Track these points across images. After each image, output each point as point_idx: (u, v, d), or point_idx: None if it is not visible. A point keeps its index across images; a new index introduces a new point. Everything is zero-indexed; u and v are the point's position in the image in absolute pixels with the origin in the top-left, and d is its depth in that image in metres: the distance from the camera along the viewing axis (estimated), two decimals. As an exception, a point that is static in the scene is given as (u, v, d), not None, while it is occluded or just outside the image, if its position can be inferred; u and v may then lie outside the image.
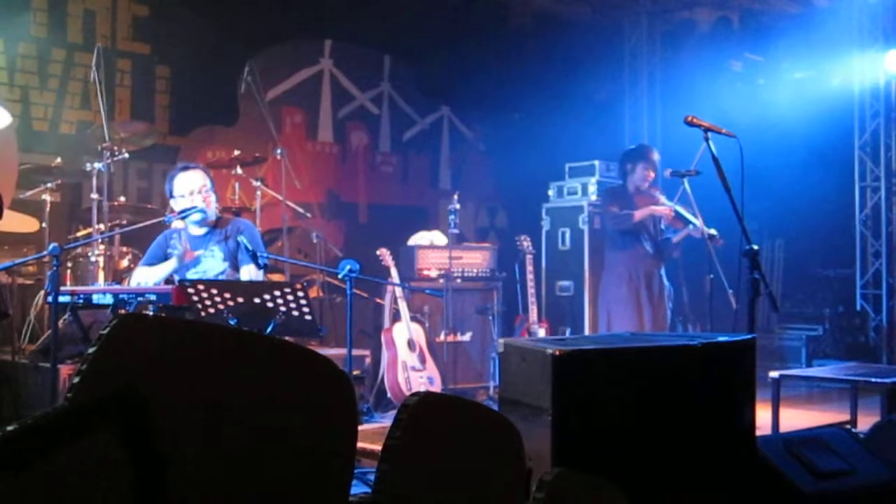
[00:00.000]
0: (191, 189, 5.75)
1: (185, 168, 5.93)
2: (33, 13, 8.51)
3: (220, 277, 5.65)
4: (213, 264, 5.70)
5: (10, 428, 1.16)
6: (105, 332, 1.30)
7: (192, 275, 5.61)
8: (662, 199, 7.96)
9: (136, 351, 1.32)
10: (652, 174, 8.10)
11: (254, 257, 5.51)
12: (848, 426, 5.90)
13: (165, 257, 5.82)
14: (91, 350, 1.29)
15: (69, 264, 7.13)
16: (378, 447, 4.79)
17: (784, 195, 11.22)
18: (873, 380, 5.97)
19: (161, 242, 5.93)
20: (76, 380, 1.25)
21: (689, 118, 4.81)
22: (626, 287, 7.99)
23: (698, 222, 7.45)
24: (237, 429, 1.42)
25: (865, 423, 5.89)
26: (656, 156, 8.20)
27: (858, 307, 11.60)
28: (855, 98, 11.63)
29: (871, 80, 11.46)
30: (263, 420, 1.46)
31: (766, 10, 11.89)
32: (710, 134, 4.76)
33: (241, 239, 5.55)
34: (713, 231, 7.25)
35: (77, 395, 1.24)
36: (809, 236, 12.32)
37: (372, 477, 4.40)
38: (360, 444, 2.24)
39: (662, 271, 8.11)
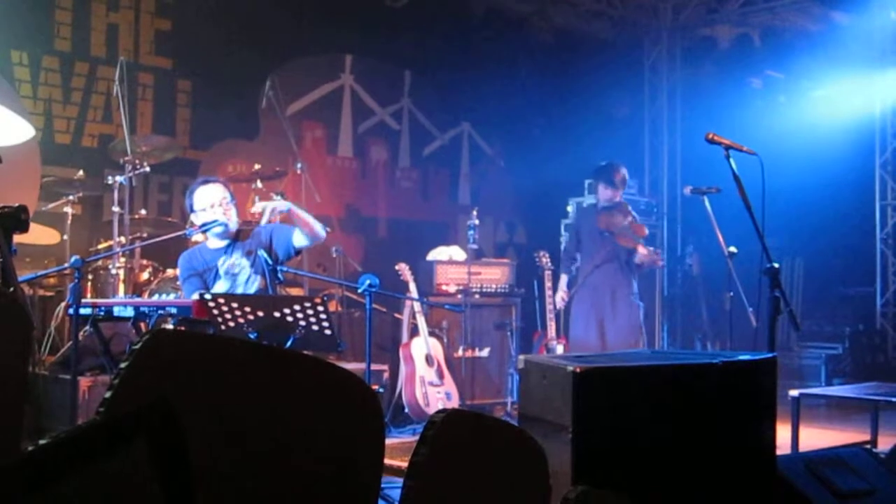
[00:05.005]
0: (211, 202, 5.75)
1: (205, 182, 5.94)
2: (57, 27, 8.58)
3: (248, 286, 5.66)
4: (240, 273, 5.70)
5: (42, 442, 1.17)
6: (136, 346, 1.31)
7: (220, 286, 5.61)
8: (619, 217, 8.01)
9: (167, 366, 1.33)
10: (612, 194, 8.11)
11: (273, 272, 5.52)
12: (868, 446, 5.86)
13: (200, 275, 5.76)
14: (122, 365, 1.30)
15: (90, 277, 7.16)
16: (395, 462, 4.79)
17: (805, 213, 11.19)
18: (895, 399, 5.94)
19: (194, 259, 5.85)
20: (108, 394, 1.26)
21: (710, 136, 4.80)
22: (589, 305, 8.06)
23: (641, 245, 7.72)
24: (265, 445, 1.43)
25: (886, 442, 5.85)
26: (621, 175, 8.18)
27: (878, 326, 11.54)
28: (876, 116, 11.59)
29: (892, 98, 11.43)
30: (292, 437, 1.47)
31: (787, 28, 11.88)
32: (730, 151, 4.75)
33: (262, 253, 5.56)
34: (733, 248, 7.22)
35: (109, 410, 1.24)
36: (830, 254, 12.28)
37: (390, 492, 4.40)
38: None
39: (632, 289, 8.13)
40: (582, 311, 8.17)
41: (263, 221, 5.64)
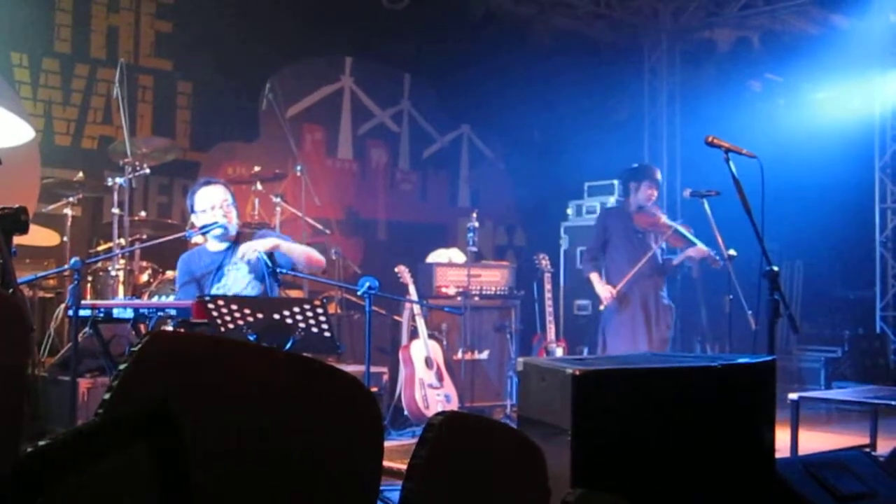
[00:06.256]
0: (212, 204, 5.75)
1: (207, 183, 5.93)
2: (57, 29, 8.58)
3: (247, 291, 5.65)
4: (237, 277, 5.69)
5: (41, 443, 1.17)
6: (136, 348, 1.31)
7: (216, 289, 5.60)
8: (663, 218, 7.92)
9: (166, 367, 1.33)
10: (655, 193, 8.05)
11: (273, 274, 5.52)
12: (867, 449, 5.86)
13: (197, 281, 5.75)
14: (122, 366, 1.30)
15: (89, 278, 7.16)
16: (394, 464, 4.79)
17: (804, 216, 11.18)
18: (894, 403, 5.94)
19: (193, 262, 5.85)
20: (107, 396, 1.26)
21: (710, 139, 4.80)
22: (622, 309, 7.93)
23: (700, 244, 7.49)
24: (264, 447, 1.43)
25: (885, 446, 5.86)
26: (659, 175, 8.17)
27: (878, 329, 11.54)
28: (876, 119, 11.59)
29: (892, 101, 11.43)
30: (290, 438, 1.47)
31: (787, 31, 11.87)
32: (730, 154, 4.74)
33: (262, 255, 5.55)
34: (732, 251, 7.21)
35: (108, 411, 1.24)
36: (829, 258, 12.28)
37: (389, 494, 4.39)
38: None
39: (663, 292, 8.02)
40: (627, 318, 7.92)
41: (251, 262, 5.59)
